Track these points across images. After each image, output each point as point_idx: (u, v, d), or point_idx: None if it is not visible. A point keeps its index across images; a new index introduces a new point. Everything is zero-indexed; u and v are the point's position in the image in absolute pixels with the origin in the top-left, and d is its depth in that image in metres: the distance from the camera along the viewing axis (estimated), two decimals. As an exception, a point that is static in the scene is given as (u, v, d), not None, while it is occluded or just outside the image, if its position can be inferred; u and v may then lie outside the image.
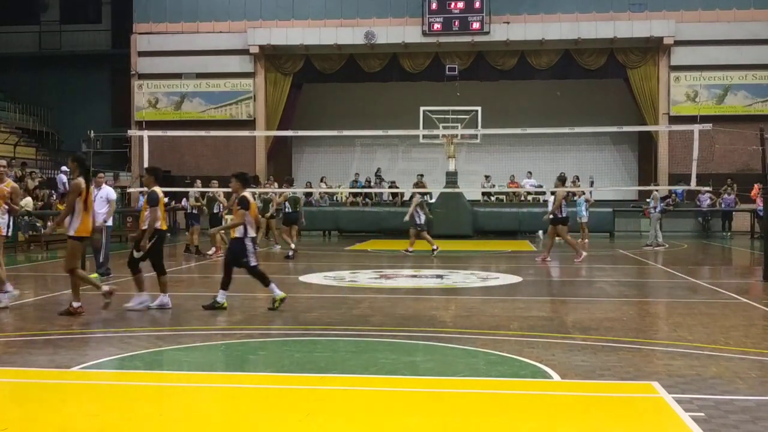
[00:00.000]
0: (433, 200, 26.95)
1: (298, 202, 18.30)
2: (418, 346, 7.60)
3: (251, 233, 9.84)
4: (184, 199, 20.12)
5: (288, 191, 18.16)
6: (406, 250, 18.56)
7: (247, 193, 10.09)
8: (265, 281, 9.86)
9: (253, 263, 9.81)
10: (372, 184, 30.42)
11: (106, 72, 34.94)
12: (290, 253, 17.29)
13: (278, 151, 32.82)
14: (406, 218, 18.83)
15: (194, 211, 18.62)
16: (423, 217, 18.58)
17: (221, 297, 9.77)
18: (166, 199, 11.25)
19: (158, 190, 10.06)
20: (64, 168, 26.41)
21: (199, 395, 5.86)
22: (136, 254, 9.91)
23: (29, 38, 35.49)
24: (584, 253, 16.82)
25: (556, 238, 17.19)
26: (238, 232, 9.85)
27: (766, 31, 29.14)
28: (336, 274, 14.12)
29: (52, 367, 6.58)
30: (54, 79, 34.40)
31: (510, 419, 5.18)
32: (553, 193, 17.41)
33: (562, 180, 18.05)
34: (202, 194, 18.57)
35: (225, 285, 9.84)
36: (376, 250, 20.71)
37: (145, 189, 10.77)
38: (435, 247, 18.02)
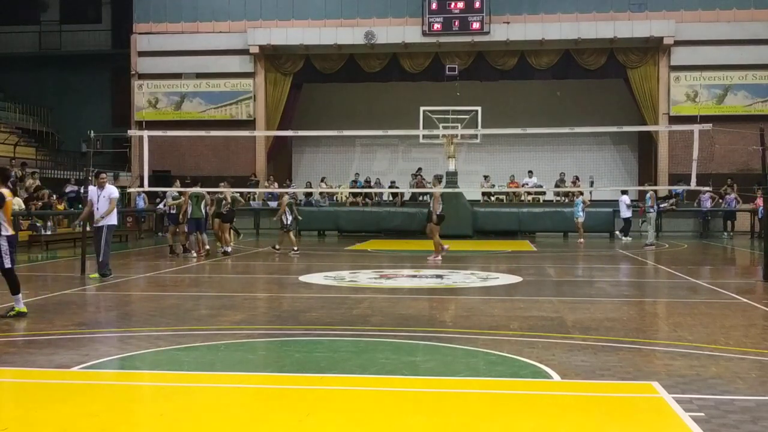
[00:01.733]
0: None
1: (235, 202, 19.15)
2: (418, 346, 7.59)
3: (7, 231, 9.20)
4: (164, 201, 19.72)
5: (230, 191, 18.64)
6: (274, 247, 19.40)
7: (4, 189, 9.32)
8: (14, 289, 9.13)
9: (8, 264, 9.12)
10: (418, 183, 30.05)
11: (106, 72, 34.92)
12: (229, 250, 18.40)
13: (278, 151, 32.83)
14: (275, 218, 20.04)
15: (173, 211, 18.57)
16: (290, 218, 19.55)
17: (18, 304, 9.13)
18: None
19: (6, 192, 9.18)
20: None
21: (199, 395, 5.86)
22: None
23: (29, 38, 35.48)
24: (446, 249, 17.43)
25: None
26: None
27: (766, 31, 29.14)
28: (336, 274, 14.11)
29: (52, 367, 6.57)
30: (54, 79, 34.39)
31: (510, 419, 5.18)
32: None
33: (439, 180, 19.81)
34: (181, 194, 18.64)
35: (15, 290, 9.13)
36: (376, 250, 20.70)
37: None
38: (296, 249, 19.01)
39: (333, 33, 30.30)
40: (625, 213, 24.04)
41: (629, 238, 23.95)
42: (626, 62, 30.05)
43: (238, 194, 19.36)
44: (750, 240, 24.74)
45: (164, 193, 19.88)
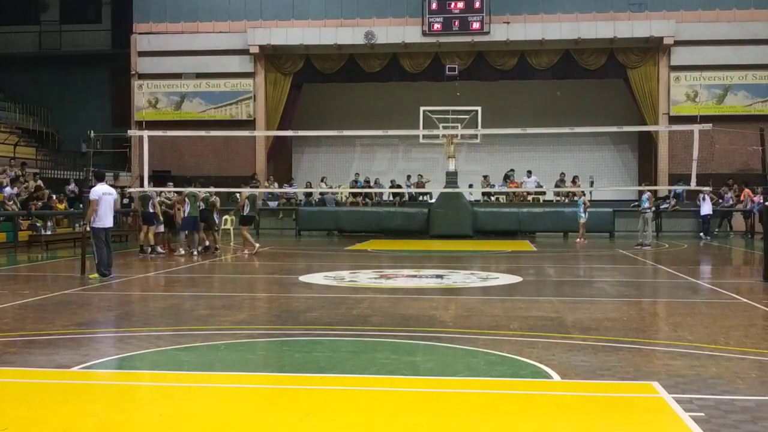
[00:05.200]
0: (434, 200, 27.02)
1: (207, 202, 19.09)
2: (418, 346, 7.59)
3: None
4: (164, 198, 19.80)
5: (202, 191, 18.82)
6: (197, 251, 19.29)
7: None
8: None
9: None
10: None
11: (106, 72, 34.91)
12: (199, 250, 18.53)
13: (278, 151, 32.83)
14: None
15: (153, 212, 18.75)
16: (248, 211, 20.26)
17: None
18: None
19: None
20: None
21: (199, 395, 5.86)
22: None
23: (29, 38, 35.47)
24: (257, 245, 18.21)
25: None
26: None
27: (766, 31, 29.15)
28: (336, 274, 14.11)
29: (52, 367, 6.57)
30: (54, 79, 34.38)
31: (510, 419, 5.18)
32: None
33: (247, 183, 21.66)
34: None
35: None
36: (376, 250, 20.71)
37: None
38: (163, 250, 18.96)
39: (333, 33, 30.30)
40: (707, 212, 24.66)
41: (709, 238, 24.36)
42: (626, 62, 30.06)
43: (209, 194, 19.32)
44: (745, 239, 24.71)
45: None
